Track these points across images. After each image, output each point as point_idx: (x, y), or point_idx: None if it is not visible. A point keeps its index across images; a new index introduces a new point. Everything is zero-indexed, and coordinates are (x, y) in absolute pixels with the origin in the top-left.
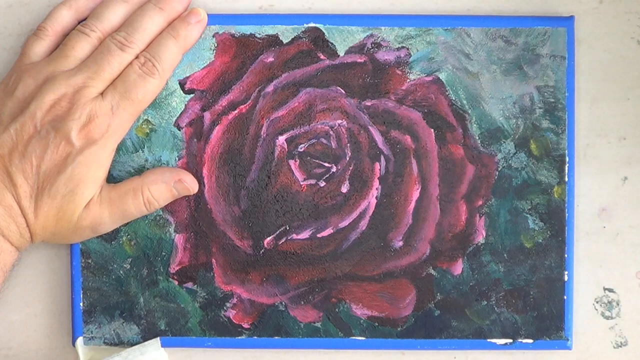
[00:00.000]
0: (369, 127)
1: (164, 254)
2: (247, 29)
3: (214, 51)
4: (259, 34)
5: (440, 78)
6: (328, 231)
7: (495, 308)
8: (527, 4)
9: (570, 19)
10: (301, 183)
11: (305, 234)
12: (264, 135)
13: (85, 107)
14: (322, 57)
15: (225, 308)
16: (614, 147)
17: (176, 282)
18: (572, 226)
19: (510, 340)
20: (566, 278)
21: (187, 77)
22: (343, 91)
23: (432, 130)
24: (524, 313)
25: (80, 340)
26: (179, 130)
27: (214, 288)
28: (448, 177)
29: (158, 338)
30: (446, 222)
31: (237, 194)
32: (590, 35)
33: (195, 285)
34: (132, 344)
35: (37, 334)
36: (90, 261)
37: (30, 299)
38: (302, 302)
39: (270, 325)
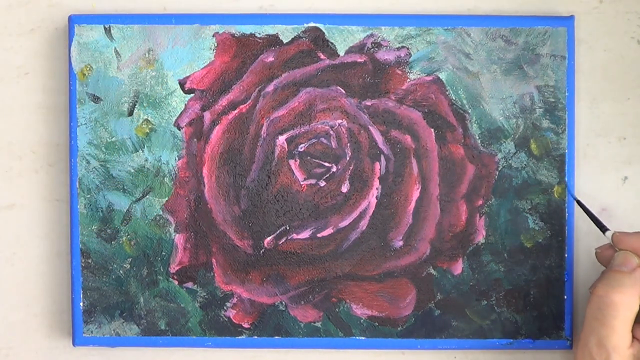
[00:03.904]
0: (369, 127)
1: (164, 253)
2: (247, 29)
3: (214, 51)
4: (259, 34)
5: (441, 78)
6: (328, 231)
7: (496, 308)
8: (527, 4)
9: (570, 18)
10: (301, 183)
11: (305, 234)
12: (264, 135)
13: None
14: (322, 56)
15: (225, 308)
16: (614, 147)
17: (176, 282)
18: (572, 226)
19: (511, 340)
20: (566, 278)
21: (187, 77)
22: (343, 91)
23: (432, 130)
24: (524, 313)
25: None
26: (179, 130)
27: (214, 288)
28: (448, 177)
29: None
30: (446, 221)
31: (237, 193)
32: (590, 35)
33: (195, 285)
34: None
35: (37, 334)
36: (90, 261)
37: (30, 299)
38: (302, 302)
39: (270, 325)
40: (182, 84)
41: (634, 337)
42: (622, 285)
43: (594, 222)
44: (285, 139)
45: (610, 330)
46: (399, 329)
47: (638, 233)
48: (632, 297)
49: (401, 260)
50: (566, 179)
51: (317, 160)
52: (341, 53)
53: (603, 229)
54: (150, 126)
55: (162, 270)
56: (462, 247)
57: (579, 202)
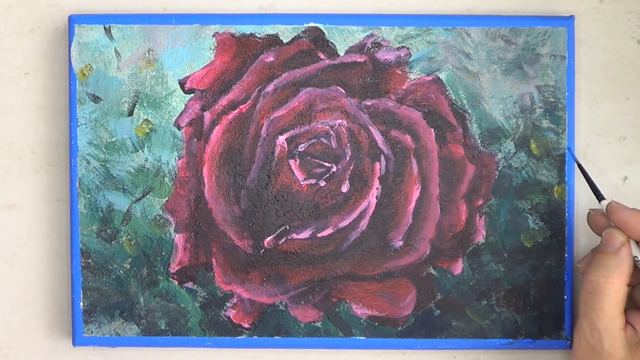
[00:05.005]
0: (369, 127)
1: (164, 253)
2: (247, 29)
3: (214, 51)
4: (259, 34)
5: (441, 78)
6: (328, 231)
7: (496, 308)
8: (527, 4)
9: (570, 18)
10: (301, 183)
11: (305, 234)
12: (264, 135)
13: None
14: (322, 56)
15: (225, 308)
16: (614, 147)
17: (176, 282)
18: (572, 226)
19: (511, 340)
20: (566, 278)
21: (187, 77)
22: (343, 91)
23: (432, 130)
24: (524, 313)
25: None
26: (179, 130)
27: (214, 288)
28: (448, 177)
29: None
30: (446, 221)
31: (237, 193)
32: (590, 35)
33: (195, 285)
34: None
35: (37, 334)
36: (90, 261)
37: (30, 299)
38: (302, 302)
39: (270, 325)
40: (182, 84)
41: (627, 321)
42: (607, 268)
43: (592, 189)
44: (285, 139)
45: (600, 312)
46: (399, 329)
47: (634, 210)
48: (617, 278)
49: (401, 260)
50: (567, 145)
51: (317, 160)
52: (341, 53)
53: (599, 197)
54: (150, 126)
55: (162, 270)
56: (462, 247)
57: (579, 165)
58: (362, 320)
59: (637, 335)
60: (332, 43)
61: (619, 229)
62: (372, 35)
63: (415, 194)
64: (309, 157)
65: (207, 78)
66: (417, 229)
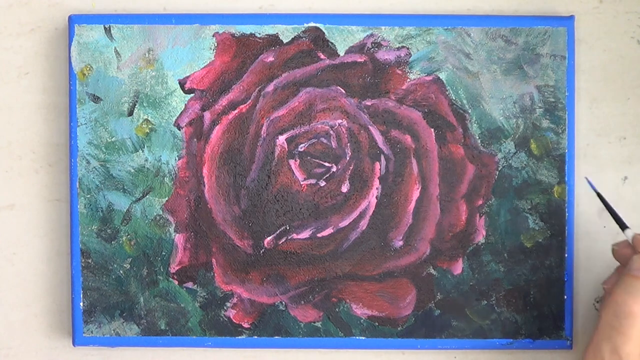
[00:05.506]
0: (369, 127)
1: (164, 253)
2: (247, 29)
3: (214, 51)
4: (259, 34)
5: (441, 78)
6: (328, 231)
7: (496, 308)
8: (527, 4)
9: (570, 18)
10: (301, 183)
11: (305, 234)
12: (264, 135)
13: None
14: (322, 56)
15: (225, 308)
16: (614, 147)
17: (176, 282)
18: (572, 226)
19: (511, 340)
20: (566, 278)
21: (187, 77)
22: (343, 91)
23: (432, 130)
24: (524, 313)
25: None
26: (179, 130)
27: (214, 288)
28: (448, 177)
29: None
30: (446, 221)
31: (237, 193)
32: (590, 35)
33: (195, 285)
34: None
35: (37, 334)
36: (90, 261)
37: (30, 299)
38: (302, 302)
39: (270, 325)
40: (182, 84)
41: None
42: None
43: (614, 218)
44: (285, 139)
45: (626, 338)
46: (399, 329)
47: None
48: None
49: (401, 260)
50: (586, 177)
51: (317, 160)
52: (341, 53)
53: (623, 226)
54: (150, 126)
55: (162, 270)
56: (462, 247)
57: (600, 197)
58: (362, 320)
59: None
60: (332, 43)
61: None
62: (372, 35)
63: (415, 194)
64: (309, 157)
65: (207, 78)
66: (417, 229)
